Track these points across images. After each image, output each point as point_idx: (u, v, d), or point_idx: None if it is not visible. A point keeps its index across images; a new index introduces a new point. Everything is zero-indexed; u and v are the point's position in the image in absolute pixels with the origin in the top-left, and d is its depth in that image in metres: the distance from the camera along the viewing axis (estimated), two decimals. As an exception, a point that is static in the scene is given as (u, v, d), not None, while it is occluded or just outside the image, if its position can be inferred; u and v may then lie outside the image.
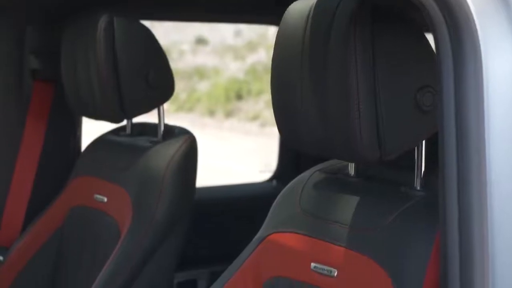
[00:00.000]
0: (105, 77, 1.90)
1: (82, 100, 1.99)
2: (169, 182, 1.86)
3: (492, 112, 1.05)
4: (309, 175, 1.52)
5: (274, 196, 1.57)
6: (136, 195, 1.89)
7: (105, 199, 1.99)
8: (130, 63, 1.93)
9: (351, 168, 1.46)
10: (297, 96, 1.31)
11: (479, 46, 1.05)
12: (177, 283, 2.33)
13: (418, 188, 1.33)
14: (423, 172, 1.33)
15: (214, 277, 1.61)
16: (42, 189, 2.22)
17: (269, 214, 1.55)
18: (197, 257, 2.41)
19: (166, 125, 2.02)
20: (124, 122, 2.10)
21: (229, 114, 10.49)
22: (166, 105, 2.04)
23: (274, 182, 2.72)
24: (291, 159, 2.70)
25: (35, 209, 2.17)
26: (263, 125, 9.72)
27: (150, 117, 2.11)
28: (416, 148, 1.32)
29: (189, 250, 2.05)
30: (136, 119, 2.10)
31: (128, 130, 2.11)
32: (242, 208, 2.55)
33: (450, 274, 1.08)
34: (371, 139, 1.24)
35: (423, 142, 1.32)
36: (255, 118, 10.08)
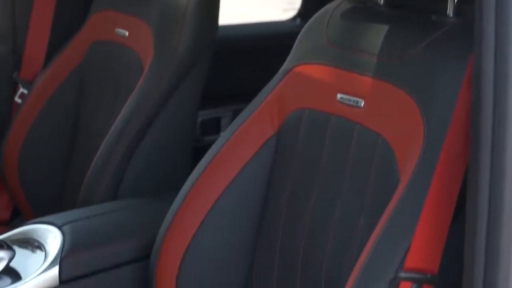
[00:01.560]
0: None
1: None
2: (191, 14, 1.81)
3: None
4: (336, 5, 1.47)
5: (297, 34, 1.52)
6: (158, 27, 1.85)
7: (127, 33, 1.95)
8: None
9: (381, -4, 1.41)
10: None
11: None
12: (200, 121, 2.33)
13: (451, 15, 1.28)
14: (457, -2, 1.27)
15: (237, 114, 1.59)
16: (62, 24, 2.19)
17: (294, 46, 1.51)
18: (220, 95, 2.39)
19: None
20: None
21: (250, -42, 10.23)
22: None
23: (298, 20, 2.65)
24: (316, -3, 2.62)
25: (56, 44, 2.14)
26: (286, -31, 9.49)
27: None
28: (451, -29, 1.26)
29: (212, 88, 2.02)
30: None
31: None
32: (265, 46, 2.50)
33: (483, 101, 1.04)
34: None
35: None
36: (278, -39, 9.83)
